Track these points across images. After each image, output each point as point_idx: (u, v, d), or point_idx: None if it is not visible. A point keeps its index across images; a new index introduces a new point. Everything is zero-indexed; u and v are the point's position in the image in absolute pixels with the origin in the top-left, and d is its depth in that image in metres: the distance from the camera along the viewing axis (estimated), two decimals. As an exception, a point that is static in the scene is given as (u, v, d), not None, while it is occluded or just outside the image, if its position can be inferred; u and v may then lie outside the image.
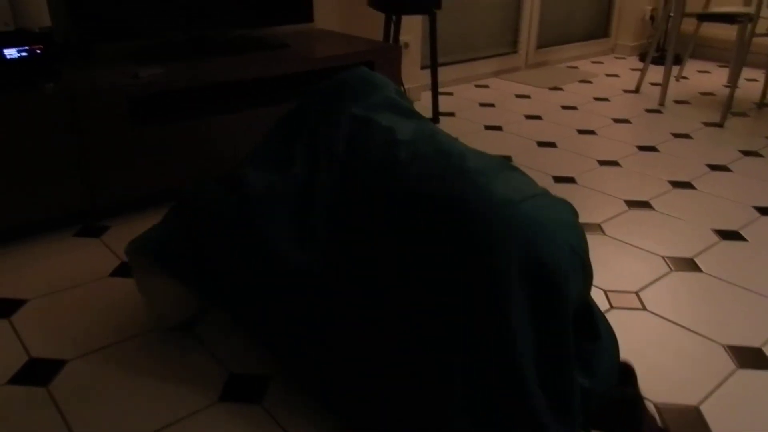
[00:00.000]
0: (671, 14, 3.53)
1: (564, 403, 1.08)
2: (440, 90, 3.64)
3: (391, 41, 3.05)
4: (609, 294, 1.63)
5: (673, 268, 1.77)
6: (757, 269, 1.77)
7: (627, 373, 1.26)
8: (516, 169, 1.28)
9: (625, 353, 1.40)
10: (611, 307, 1.58)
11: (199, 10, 2.25)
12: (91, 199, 1.90)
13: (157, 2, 2.14)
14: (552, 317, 1.09)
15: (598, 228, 2.00)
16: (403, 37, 3.27)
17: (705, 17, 3.48)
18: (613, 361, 1.24)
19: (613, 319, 1.53)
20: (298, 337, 1.22)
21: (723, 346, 1.44)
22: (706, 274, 1.74)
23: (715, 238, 1.95)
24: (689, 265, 1.78)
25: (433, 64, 2.93)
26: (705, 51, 4.59)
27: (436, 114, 3.03)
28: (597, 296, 1.62)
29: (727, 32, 4.35)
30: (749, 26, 3.10)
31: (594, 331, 1.22)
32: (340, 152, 1.31)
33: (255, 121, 2.16)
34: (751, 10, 3.30)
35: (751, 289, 1.67)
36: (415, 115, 1.42)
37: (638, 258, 1.82)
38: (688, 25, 4.03)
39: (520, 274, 1.07)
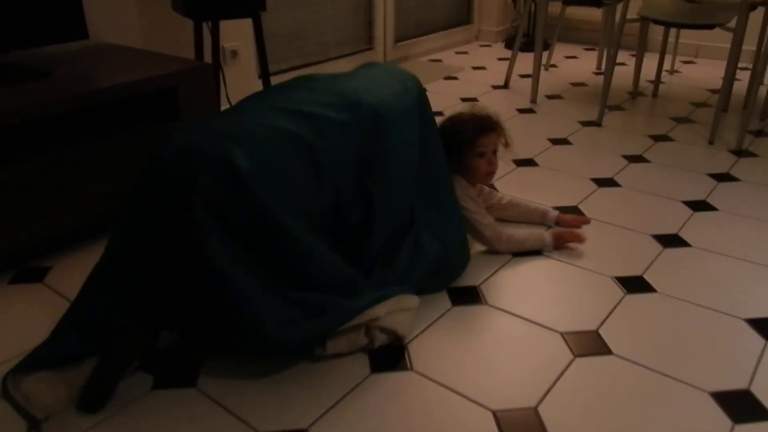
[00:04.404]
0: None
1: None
2: (287, 101, 3.08)
3: (211, 53, 2.45)
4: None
5: (574, 350, 1.35)
6: (662, 332, 1.40)
7: None
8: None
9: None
10: None
11: None
12: None
13: None
14: None
15: (473, 291, 1.56)
16: (230, 44, 2.68)
17: (570, 1, 3.16)
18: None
19: None
20: None
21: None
22: (615, 356, 1.34)
23: (618, 289, 1.56)
24: (593, 341, 1.38)
25: (264, 74, 2.37)
26: (570, 34, 4.34)
27: (278, 137, 2.48)
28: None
29: (592, 13, 4.12)
30: (619, 7, 2.79)
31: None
32: None
33: (-2, 190, 1.52)
34: (618, -8, 3.00)
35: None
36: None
37: (525, 329, 1.39)
38: (554, 6, 3.73)
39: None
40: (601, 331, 1.41)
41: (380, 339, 1.33)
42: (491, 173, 1.70)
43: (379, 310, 1.31)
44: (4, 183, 1.54)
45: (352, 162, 1.37)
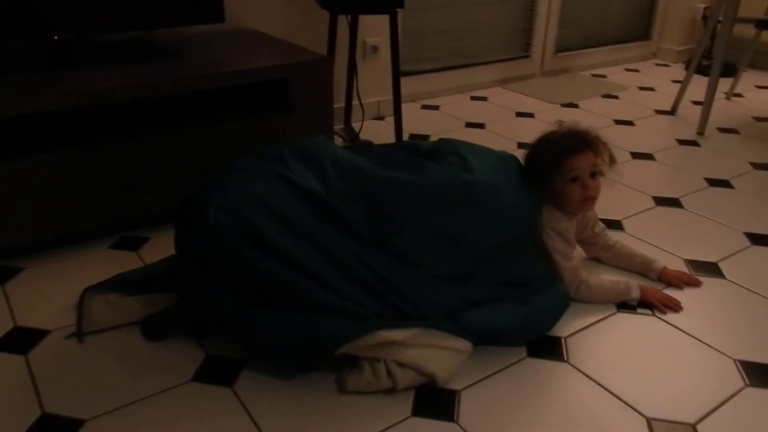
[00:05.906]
0: (720, 19, 2.76)
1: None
2: (426, 102, 2.99)
3: (348, 45, 2.43)
4: None
5: (661, 441, 1.11)
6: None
7: None
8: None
9: None
10: None
11: (58, 8, 1.69)
12: None
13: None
14: None
15: (568, 359, 1.35)
16: (372, 39, 2.64)
17: (765, 24, 2.71)
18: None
19: None
20: None
21: None
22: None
23: (738, 376, 1.27)
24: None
25: (395, 76, 2.29)
26: (768, 60, 3.77)
27: (399, 137, 2.39)
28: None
29: (798, 39, 3.53)
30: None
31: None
32: None
33: (98, 162, 1.60)
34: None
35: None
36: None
37: (604, 404, 1.17)
38: (747, 28, 3.25)
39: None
40: (699, 428, 1.15)
41: (403, 380, 1.18)
42: (589, 199, 1.45)
43: (395, 335, 1.18)
44: (123, 154, 1.62)
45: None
